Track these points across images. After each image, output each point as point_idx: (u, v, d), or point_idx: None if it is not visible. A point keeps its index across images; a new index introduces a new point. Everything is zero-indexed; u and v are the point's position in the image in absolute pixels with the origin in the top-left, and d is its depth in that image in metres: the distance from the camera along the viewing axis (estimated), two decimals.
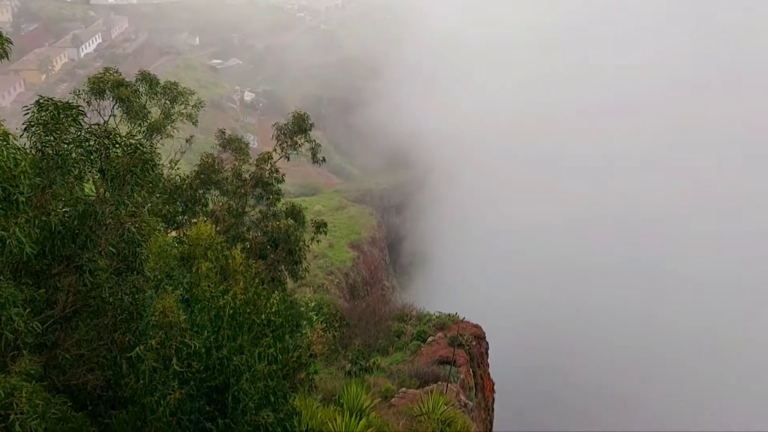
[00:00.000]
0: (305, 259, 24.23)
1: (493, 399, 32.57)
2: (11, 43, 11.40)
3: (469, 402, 25.34)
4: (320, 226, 25.63)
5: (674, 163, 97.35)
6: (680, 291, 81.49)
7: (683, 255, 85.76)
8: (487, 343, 32.36)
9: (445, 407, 19.97)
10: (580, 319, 75.83)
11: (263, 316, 11.98)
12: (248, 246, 22.19)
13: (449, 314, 32.83)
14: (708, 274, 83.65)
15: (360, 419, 16.29)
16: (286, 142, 24.65)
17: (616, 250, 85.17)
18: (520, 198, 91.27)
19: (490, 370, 32.78)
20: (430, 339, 30.38)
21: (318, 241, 26.12)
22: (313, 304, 32.29)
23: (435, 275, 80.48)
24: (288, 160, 25.05)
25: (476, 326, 31.71)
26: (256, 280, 15.99)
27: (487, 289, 74.26)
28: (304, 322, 24.64)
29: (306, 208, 28.56)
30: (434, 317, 33.34)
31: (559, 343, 74.54)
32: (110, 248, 11.06)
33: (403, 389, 22.69)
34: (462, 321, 31.69)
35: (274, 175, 24.14)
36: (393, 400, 21.57)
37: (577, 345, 74.81)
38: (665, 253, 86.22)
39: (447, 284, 76.31)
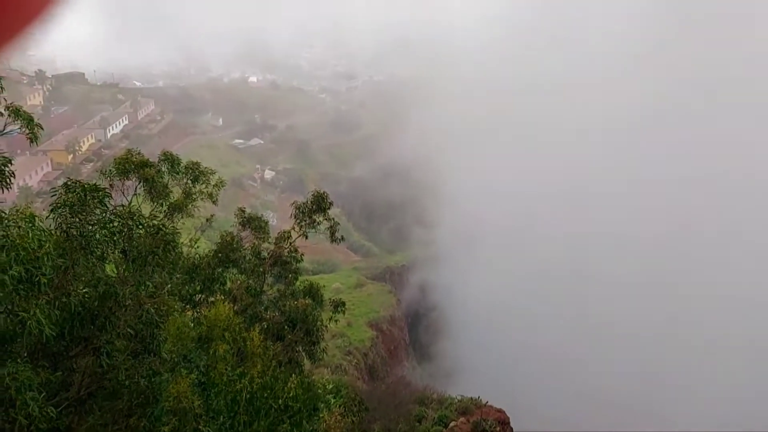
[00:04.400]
0: (323, 339, 23.84)
1: None
2: (42, 128, 11.77)
3: None
4: (338, 306, 25.32)
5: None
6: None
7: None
8: (511, 429, 31.25)
9: None
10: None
11: (280, 401, 11.67)
12: (266, 326, 21.92)
13: (471, 398, 31.89)
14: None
15: None
16: (305, 220, 24.76)
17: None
18: (546, 269, 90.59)
19: None
20: (452, 424, 29.42)
21: (336, 321, 25.77)
22: (330, 386, 31.58)
23: (457, 355, 79.04)
24: (306, 238, 25.09)
25: (500, 411, 30.70)
26: (274, 363, 15.69)
27: (511, 368, 72.92)
28: (322, 405, 24.00)
29: (324, 286, 28.41)
30: (456, 401, 32.38)
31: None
32: (128, 329, 10.95)
33: None
34: (485, 405, 30.74)
35: (293, 254, 24.12)
36: None
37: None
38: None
39: (469, 364, 74.86)
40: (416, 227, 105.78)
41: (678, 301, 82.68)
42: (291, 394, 11.89)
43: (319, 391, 27.02)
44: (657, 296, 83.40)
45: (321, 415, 20.29)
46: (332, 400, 27.22)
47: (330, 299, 25.86)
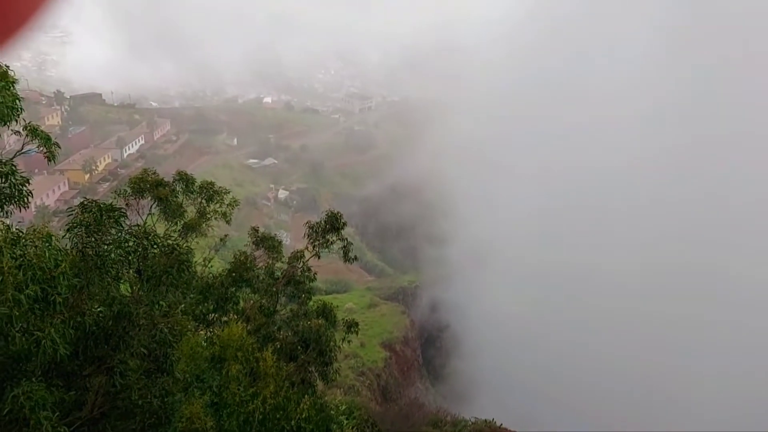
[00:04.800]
0: (336, 359, 23.69)
1: None
2: (59, 147, 11.90)
3: None
4: (351, 326, 25.18)
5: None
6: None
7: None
8: None
9: None
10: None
11: (293, 423, 11.58)
12: (279, 346, 21.84)
13: (486, 420, 31.49)
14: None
15: None
16: (318, 240, 24.74)
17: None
18: (560, 287, 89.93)
19: None
20: None
21: (349, 341, 25.61)
22: (343, 407, 31.29)
23: (471, 375, 78.36)
24: (319, 258, 25.05)
25: None
26: (286, 383, 15.60)
27: (525, 389, 72.11)
28: (335, 427, 23.80)
29: (337, 306, 28.26)
30: (470, 423, 31.99)
31: None
32: (142, 349, 10.95)
33: None
34: (500, 427, 30.35)
35: (306, 273, 24.08)
36: None
37: None
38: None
39: (483, 385, 74.17)
40: (428, 246, 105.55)
41: (699, 316, 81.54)
42: (304, 416, 11.80)
43: (332, 412, 26.80)
44: (677, 312, 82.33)
45: None
46: (345, 422, 26.98)
47: (343, 319, 25.72)
